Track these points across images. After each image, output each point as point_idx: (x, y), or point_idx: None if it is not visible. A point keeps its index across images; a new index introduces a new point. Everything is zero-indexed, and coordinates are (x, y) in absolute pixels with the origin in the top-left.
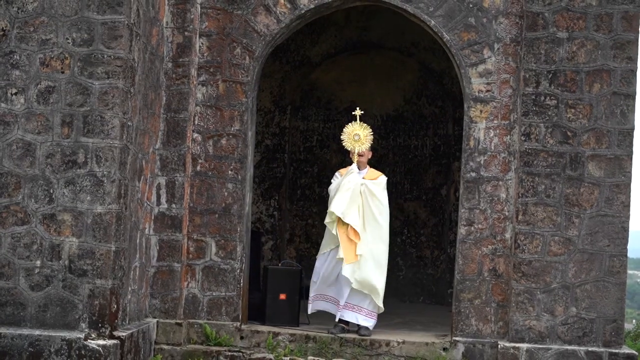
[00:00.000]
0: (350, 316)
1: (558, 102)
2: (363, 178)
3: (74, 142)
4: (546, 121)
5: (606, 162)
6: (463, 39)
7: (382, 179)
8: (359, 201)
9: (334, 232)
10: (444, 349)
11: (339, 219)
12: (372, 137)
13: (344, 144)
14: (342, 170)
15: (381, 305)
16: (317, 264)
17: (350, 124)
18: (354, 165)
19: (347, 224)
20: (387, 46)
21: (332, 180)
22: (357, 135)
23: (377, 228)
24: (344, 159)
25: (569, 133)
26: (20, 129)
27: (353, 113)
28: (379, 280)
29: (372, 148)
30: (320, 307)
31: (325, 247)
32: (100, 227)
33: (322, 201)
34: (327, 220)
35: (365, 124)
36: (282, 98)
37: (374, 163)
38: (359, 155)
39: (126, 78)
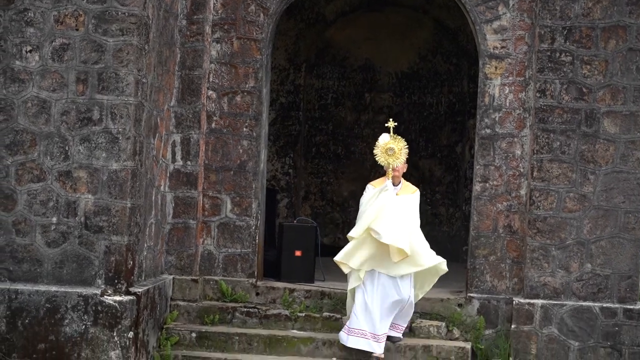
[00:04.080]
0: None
1: (573, 58)
2: (397, 194)
3: (88, 99)
4: (561, 77)
5: (621, 119)
6: None
7: (417, 194)
8: (396, 218)
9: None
10: (459, 305)
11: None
12: (407, 150)
13: (376, 158)
14: (375, 183)
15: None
16: (358, 297)
17: (382, 135)
18: (389, 182)
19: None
20: (402, 3)
21: (364, 192)
22: (391, 150)
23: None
24: (359, 117)
25: (584, 89)
26: (35, 86)
27: (386, 125)
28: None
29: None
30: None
31: (356, 280)
32: (116, 184)
33: (337, 159)
34: (355, 233)
35: (399, 137)
36: (296, 56)
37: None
38: (394, 170)
39: (140, 35)
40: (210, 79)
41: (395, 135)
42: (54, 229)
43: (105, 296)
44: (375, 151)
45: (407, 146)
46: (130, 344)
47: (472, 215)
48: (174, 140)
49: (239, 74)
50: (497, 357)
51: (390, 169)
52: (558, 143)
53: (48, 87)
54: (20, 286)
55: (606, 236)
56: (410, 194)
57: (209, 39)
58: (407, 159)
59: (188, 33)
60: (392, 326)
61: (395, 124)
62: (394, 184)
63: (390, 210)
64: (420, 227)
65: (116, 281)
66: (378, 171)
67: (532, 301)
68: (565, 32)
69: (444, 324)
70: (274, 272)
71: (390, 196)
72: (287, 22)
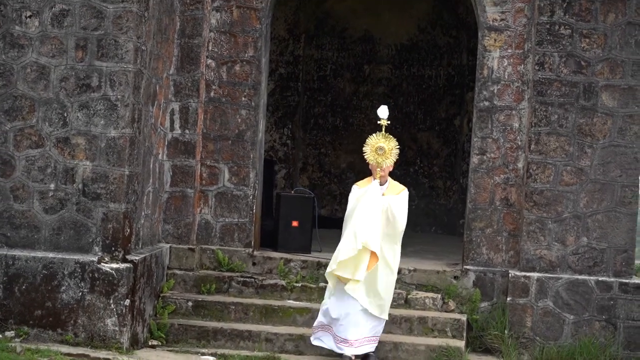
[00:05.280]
0: (362, 350)
1: (572, 31)
2: (383, 194)
3: (88, 66)
4: (560, 50)
5: (620, 93)
6: None
7: (405, 193)
8: (380, 226)
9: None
10: (455, 277)
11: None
12: (398, 150)
13: (365, 156)
14: (361, 183)
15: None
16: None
17: (374, 134)
18: (376, 182)
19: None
20: None
21: (349, 196)
22: (382, 149)
23: (391, 250)
24: (358, 88)
25: (582, 63)
26: (34, 52)
27: (378, 122)
28: (387, 299)
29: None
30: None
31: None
32: (114, 151)
33: (336, 130)
34: (344, 255)
35: (391, 136)
36: (296, 26)
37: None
38: (382, 170)
39: (140, 2)
40: (210, 48)
41: (387, 135)
42: (52, 196)
43: (102, 263)
44: (364, 149)
45: (398, 146)
46: (126, 312)
47: (469, 188)
48: (173, 109)
49: (239, 43)
50: (492, 329)
51: (379, 169)
52: (556, 116)
53: (47, 53)
54: (17, 252)
55: (602, 210)
56: (396, 195)
57: (209, 7)
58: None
59: (188, 1)
60: (367, 340)
61: (389, 122)
62: (380, 184)
63: (373, 213)
64: (418, 198)
65: (113, 249)
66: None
67: (528, 274)
68: (564, 5)
69: (439, 295)
70: (270, 242)
71: (376, 195)
72: None
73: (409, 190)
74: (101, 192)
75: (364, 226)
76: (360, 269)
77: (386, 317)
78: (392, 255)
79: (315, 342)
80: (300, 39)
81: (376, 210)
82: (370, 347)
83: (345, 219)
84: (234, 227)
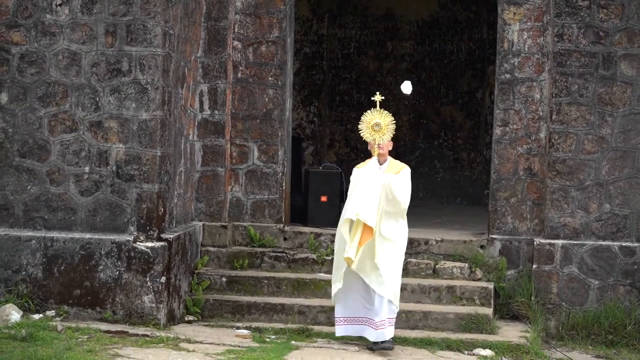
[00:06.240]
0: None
1: (590, 2)
2: (384, 173)
3: (117, 51)
4: (579, 22)
5: (638, 61)
6: None
7: (406, 171)
8: (378, 201)
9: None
10: (481, 247)
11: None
12: (394, 125)
13: (361, 134)
14: (361, 165)
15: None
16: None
17: (369, 111)
18: (374, 160)
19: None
20: None
21: (350, 178)
22: (377, 125)
23: (390, 226)
24: (381, 65)
25: (601, 33)
26: (65, 39)
27: (373, 99)
28: (395, 283)
29: (394, 132)
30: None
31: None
32: (146, 133)
33: (361, 107)
34: (342, 230)
35: (386, 112)
36: (319, 6)
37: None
38: (379, 147)
39: None
40: (236, 30)
41: (382, 110)
42: (87, 178)
43: (137, 242)
44: (360, 127)
45: (394, 121)
46: (162, 289)
47: (493, 159)
48: (202, 90)
49: (264, 24)
50: (519, 296)
51: (376, 146)
52: (576, 86)
53: (78, 40)
54: (55, 234)
55: (624, 177)
56: (395, 174)
57: None
58: (393, 135)
59: None
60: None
61: (382, 97)
62: (379, 163)
63: (371, 190)
64: (443, 170)
65: (148, 228)
66: (400, 118)
67: (552, 241)
68: None
69: (467, 265)
70: (300, 218)
71: (375, 173)
72: None
73: (433, 163)
74: (134, 173)
75: (360, 201)
76: (352, 245)
77: (389, 297)
78: (392, 231)
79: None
80: (323, 19)
81: (374, 187)
82: (390, 332)
83: (346, 201)
84: (265, 204)
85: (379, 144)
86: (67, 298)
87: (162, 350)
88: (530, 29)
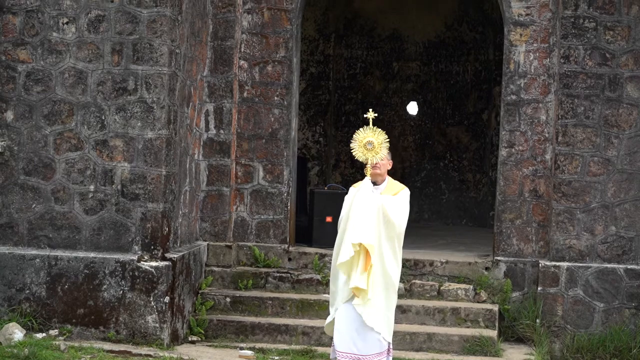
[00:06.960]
0: None
1: (596, 24)
2: (380, 194)
3: (124, 70)
4: (585, 43)
5: None
6: None
7: (404, 193)
8: (375, 225)
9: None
10: (486, 269)
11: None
12: (388, 144)
13: (354, 153)
14: (357, 184)
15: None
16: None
17: (361, 129)
18: (367, 180)
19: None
20: None
21: (345, 198)
22: (370, 143)
23: (390, 259)
24: (387, 85)
25: (607, 55)
26: (71, 57)
27: (365, 116)
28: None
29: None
30: None
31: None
32: (151, 152)
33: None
34: (340, 259)
35: (380, 129)
36: (326, 26)
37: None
38: (373, 167)
39: (173, 6)
40: (242, 49)
41: (374, 128)
42: (92, 197)
43: (141, 262)
44: (352, 145)
45: (387, 140)
46: (166, 309)
47: (499, 180)
48: (207, 110)
49: (270, 44)
50: (524, 318)
51: (369, 166)
52: (582, 108)
53: (84, 58)
54: (59, 253)
55: (630, 199)
56: (393, 195)
57: (240, 10)
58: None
59: (220, 4)
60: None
61: (376, 114)
62: (375, 183)
63: (366, 212)
64: (448, 192)
65: (152, 247)
66: (406, 139)
67: (557, 264)
68: None
69: (471, 286)
70: (305, 238)
71: (369, 196)
72: None
73: (439, 185)
74: (139, 192)
75: (356, 227)
76: (355, 273)
77: (382, 331)
78: (390, 262)
79: None
80: (330, 39)
81: (369, 208)
82: None
83: (339, 220)
84: (270, 224)
85: (374, 163)
86: (71, 317)
87: None
88: (537, 51)
